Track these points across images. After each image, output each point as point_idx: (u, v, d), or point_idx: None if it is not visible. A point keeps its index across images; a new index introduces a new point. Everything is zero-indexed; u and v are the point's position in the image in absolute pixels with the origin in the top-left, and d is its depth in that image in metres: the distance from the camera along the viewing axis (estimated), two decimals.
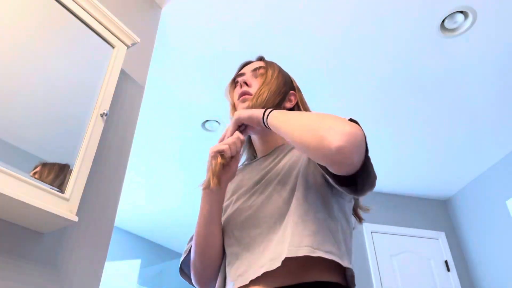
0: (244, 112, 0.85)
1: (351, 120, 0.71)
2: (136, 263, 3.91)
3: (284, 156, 0.89)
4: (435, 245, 3.35)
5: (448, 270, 3.22)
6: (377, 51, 2.24)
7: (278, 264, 0.67)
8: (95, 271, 1.21)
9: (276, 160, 0.90)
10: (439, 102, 2.58)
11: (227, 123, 2.80)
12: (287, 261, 0.68)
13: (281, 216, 0.76)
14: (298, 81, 2.65)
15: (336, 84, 2.46)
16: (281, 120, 0.76)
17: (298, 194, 0.77)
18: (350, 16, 2.06)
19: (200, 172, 3.36)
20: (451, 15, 2.04)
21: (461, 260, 3.34)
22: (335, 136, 0.62)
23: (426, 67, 2.33)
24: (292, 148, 0.91)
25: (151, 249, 4.62)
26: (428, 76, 2.40)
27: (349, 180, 0.70)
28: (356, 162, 0.65)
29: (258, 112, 0.83)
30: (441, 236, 3.42)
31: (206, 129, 2.87)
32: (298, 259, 0.69)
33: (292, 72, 2.37)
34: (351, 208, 0.88)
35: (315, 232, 0.71)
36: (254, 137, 1.00)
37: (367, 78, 2.41)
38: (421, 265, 3.21)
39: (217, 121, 2.79)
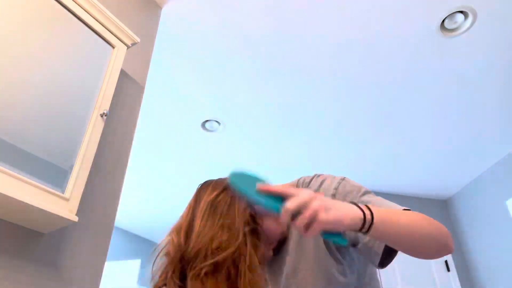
0: (328, 214, 0.61)
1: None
2: (136, 263, 3.91)
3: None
4: None
5: (448, 270, 3.22)
6: (377, 51, 2.24)
7: None
8: (95, 271, 1.21)
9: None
10: (439, 102, 2.58)
11: (227, 123, 2.80)
12: None
13: None
14: (299, 79, 2.66)
15: (336, 83, 2.46)
16: (388, 222, 0.67)
17: None
18: (350, 16, 2.06)
19: (200, 172, 3.36)
20: (451, 15, 2.04)
21: (461, 260, 3.34)
22: (451, 241, 0.75)
23: (426, 67, 2.33)
24: None
25: (151, 249, 4.61)
26: (428, 76, 2.39)
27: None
28: None
29: (353, 208, 0.65)
30: None
31: (206, 129, 2.87)
32: None
33: (292, 71, 2.38)
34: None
35: None
36: None
37: (367, 78, 2.41)
38: (421, 265, 3.20)
39: (217, 121, 2.79)
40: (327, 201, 0.63)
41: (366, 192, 0.83)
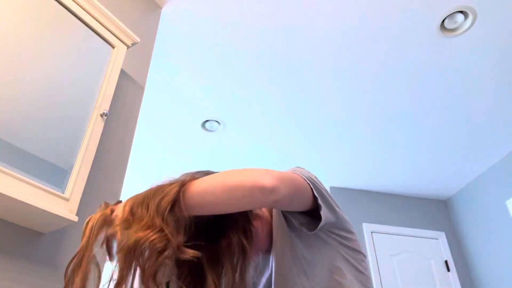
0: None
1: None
2: None
3: None
4: (435, 245, 3.35)
5: (448, 270, 3.22)
6: (377, 51, 2.24)
7: None
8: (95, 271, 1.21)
9: None
10: (439, 102, 2.58)
11: (227, 123, 2.80)
12: None
13: None
14: (299, 79, 2.66)
15: (336, 84, 2.46)
16: (198, 193, 0.67)
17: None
18: (350, 16, 2.06)
19: None
20: (451, 15, 2.04)
21: (461, 260, 3.34)
22: (267, 178, 0.66)
23: (426, 66, 2.33)
24: None
25: None
26: (428, 76, 2.40)
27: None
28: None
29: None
30: (441, 236, 3.41)
31: (206, 129, 2.87)
32: None
33: (292, 71, 2.38)
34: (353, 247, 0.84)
35: None
36: None
37: (367, 78, 2.41)
38: (421, 265, 3.21)
39: (217, 121, 2.79)
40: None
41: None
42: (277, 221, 0.85)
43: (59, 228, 1.13)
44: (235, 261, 0.75)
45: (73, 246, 1.17)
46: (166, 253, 0.60)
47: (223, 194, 0.66)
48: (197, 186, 0.68)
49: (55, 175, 1.07)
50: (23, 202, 0.94)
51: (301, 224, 0.79)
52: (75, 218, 1.06)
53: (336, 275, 0.77)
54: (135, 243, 0.60)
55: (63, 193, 1.06)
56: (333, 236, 0.82)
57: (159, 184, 0.70)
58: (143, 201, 0.65)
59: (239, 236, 0.76)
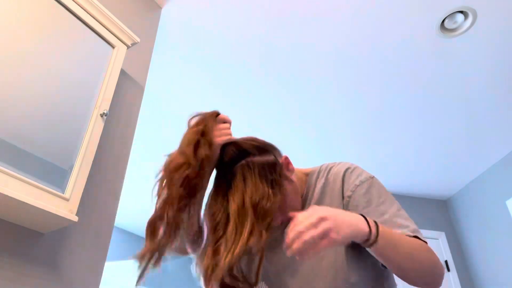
0: (342, 229, 0.65)
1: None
2: (136, 263, 3.91)
3: None
4: (435, 245, 3.35)
5: (448, 270, 3.22)
6: (377, 51, 2.24)
7: None
8: (95, 271, 1.21)
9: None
10: (439, 102, 2.58)
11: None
12: None
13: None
14: (300, 79, 2.66)
15: (336, 84, 2.46)
16: (390, 245, 0.70)
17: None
18: (350, 16, 2.06)
19: None
20: (451, 15, 2.04)
21: (461, 260, 3.34)
22: (441, 278, 0.75)
23: (426, 67, 2.33)
24: None
25: None
26: (428, 76, 2.40)
27: None
28: None
29: (362, 225, 0.68)
30: (441, 236, 3.41)
31: None
32: None
33: (292, 70, 2.38)
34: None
35: None
36: None
37: (367, 78, 2.41)
38: None
39: None
40: (337, 219, 0.65)
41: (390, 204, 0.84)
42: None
43: (59, 228, 1.13)
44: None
45: (73, 246, 1.17)
46: None
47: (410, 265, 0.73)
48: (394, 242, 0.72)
49: (55, 175, 1.07)
50: (23, 202, 0.94)
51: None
52: (75, 218, 1.06)
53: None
54: None
55: (63, 193, 1.06)
56: None
57: None
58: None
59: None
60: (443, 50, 2.23)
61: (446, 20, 2.07)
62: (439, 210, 3.63)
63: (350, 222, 0.67)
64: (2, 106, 1.01)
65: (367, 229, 0.67)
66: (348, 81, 2.44)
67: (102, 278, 1.23)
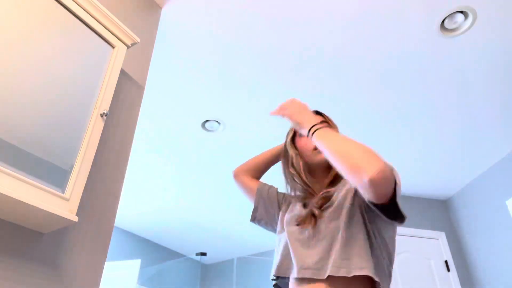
0: (296, 116, 1.03)
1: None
2: (136, 263, 3.91)
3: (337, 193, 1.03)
4: (435, 245, 3.35)
5: (448, 270, 3.22)
6: (377, 51, 2.24)
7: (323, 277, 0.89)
8: (95, 271, 1.21)
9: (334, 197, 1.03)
10: (439, 102, 2.58)
11: (227, 123, 2.80)
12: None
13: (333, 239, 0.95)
14: (299, 78, 2.66)
15: (335, 84, 2.46)
16: (327, 139, 0.92)
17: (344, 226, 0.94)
18: (350, 15, 2.06)
19: (199, 171, 3.36)
20: (451, 15, 2.04)
21: (461, 260, 3.34)
22: (371, 169, 0.80)
23: (426, 67, 2.33)
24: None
25: (151, 249, 4.62)
26: (428, 76, 2.40)
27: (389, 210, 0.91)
28: (384, 194, 0.86)
29: (305, 125, 0.98)
30: (441, 236, 3.41)
31: (206, 129, 2.87)
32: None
33: (292, 70, 2.38)
34: (394, 236, 1.03)
35: (354, 256, 0.89)
36: (318, 168, 1.14)
37: (366, 77, 2.41)
38: (421, 265, 3.21)
39: (217, 121, 2.79)
40: (294, 112, 1.05)
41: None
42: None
43: (59, 228, 1.13)
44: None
45: (73, 246, 1.17)
46: None
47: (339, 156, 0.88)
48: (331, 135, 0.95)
49: (55, 175, 1.07)
50: (23, 202, 0.94)
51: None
52: (75, 218, 1.06)
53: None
54: None
55: (63, 193, 1.06)
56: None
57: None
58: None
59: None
60: (443, 50, 2.23)
61: (446, 20, 2.07)
62: (439, 210, 3.63)
63: (300, 119, 1.02)
64: (3, 106, 1.01)
65: (307, 129, 0.97)
66: (347, 81, 2.44)
67: (102, 278, 1.23)
